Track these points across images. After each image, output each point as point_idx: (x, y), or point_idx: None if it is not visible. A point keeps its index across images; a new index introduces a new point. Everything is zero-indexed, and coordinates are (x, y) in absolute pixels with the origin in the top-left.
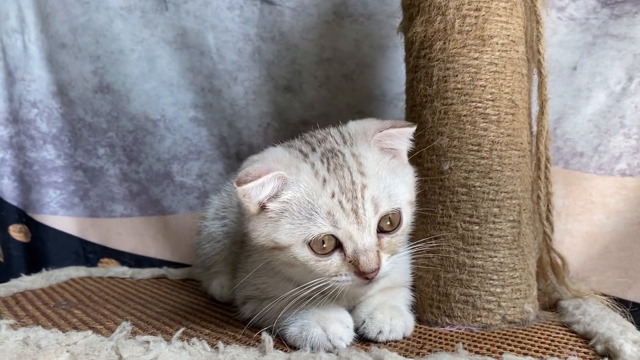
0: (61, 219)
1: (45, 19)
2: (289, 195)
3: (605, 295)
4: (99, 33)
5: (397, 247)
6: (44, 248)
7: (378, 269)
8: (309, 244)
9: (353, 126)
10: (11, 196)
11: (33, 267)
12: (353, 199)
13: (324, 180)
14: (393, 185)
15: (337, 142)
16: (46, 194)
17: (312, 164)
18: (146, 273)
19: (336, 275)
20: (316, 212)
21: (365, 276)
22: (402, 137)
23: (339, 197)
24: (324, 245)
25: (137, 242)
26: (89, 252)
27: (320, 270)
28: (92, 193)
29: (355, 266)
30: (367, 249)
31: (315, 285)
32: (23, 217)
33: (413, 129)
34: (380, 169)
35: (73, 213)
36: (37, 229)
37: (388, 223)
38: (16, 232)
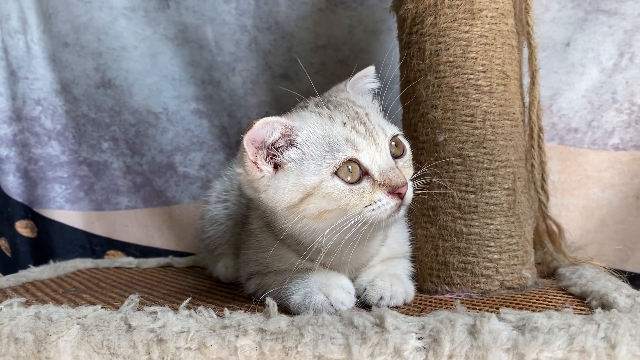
0: (67, 213)
1: (47, 19)
2: (301, 139)
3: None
4: (101, 31)
5: (410, 175)
6: (51, 242)
7: (407, 184)
8: (337, 175)
9: (327, 92)
10: (16, 193)
11: (40, 262)
12: (363, 124)
13: (330, 116)
14: (383, 119)
15: (323, 98)
16: (52, 189)
17: (312, 110)
18: (152, 262)
19: (371, 204)
20: (335, 142)
21: (399, 191)
22: (369, 75)
23: (351, 124)
24: (351, 172)
25: (142, 233)
26: (95, 245)
27: (356, 201)
28: (97, 187)
29: (386, 186)
30: (391, 166)
31: (351, 223)
32: (29, 212)
33: (372, 67)
34: (368, 105)
35: (79, 207)
36: (43, 224)
37: (396, 147)
38: (22, 227)
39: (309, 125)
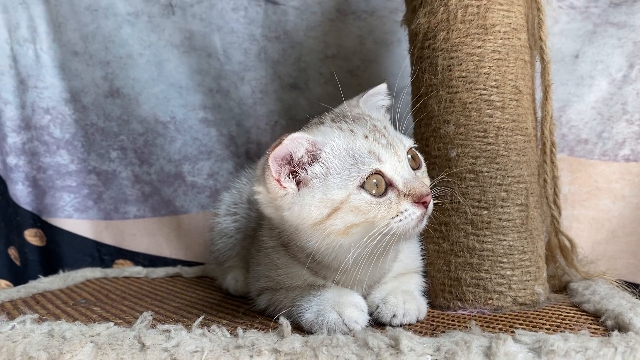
0: (76, 222)
1: (57, 28)
2: (325, 154)
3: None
4: (108, 39)
5: (428, 184)
6: (59, 251)
7: (430, 192)
8: (364, 188)
9: (339, 106)
10: (25, 201)
11: (49, 271)
12: (383, 136)
13: (351, 130)
14: (397, 131)
15: (338, 112)
16: (60, 198)
17: (331, 125)
18: (160, 272)
19: (398, 215)
20: (359, 155)
21: (424, 200)
22: (381, 93)
23: (373, 137)
24: (376, 185)
25: (150, 242)
26: (103, 254)
27: (384, 212)
28: (105, 196)
29: (412, 195)
30: (413, 177)
31: (378, 235)
32: (38, 221)
33: (385, 85)
34: (383, 118)
35: (87, 216)
36: (52, 233)
37: (413, 160)
38: (31, 236)
39: (332, 140)
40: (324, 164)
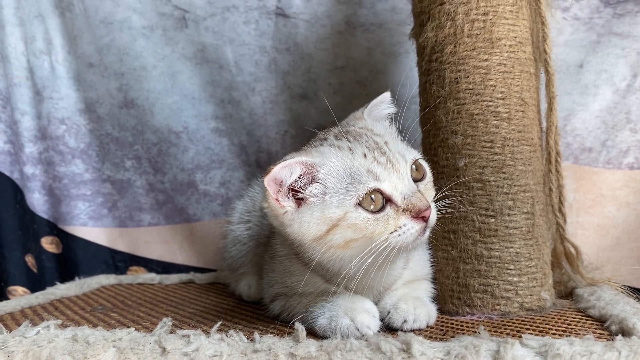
0: (91, 230)
1: (73, 40)
2: (322, 174)
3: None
4: (123, 51)
5: (432, 196)
6: (75, 258)
7: (429, 207)
8: (361, 205)
9: (345, 119)
10: (42, 209)
11: (65, 277)
12: (383, 154)
13: (349, 149)
14: (401, 143)
15: (341, 128)
16: (75, 206)
17: (332, 144)
18: (174, 278)
19: (396, 230)
20: (357, 174)
21: (422, 215)
22: (385, 102)
23: (371, 155)
24: (374, 201)
25: (164, 249)
26: (118, 261)
27: (381, 228)
28: (120, 204)
29: (410, 210)
30: (413, 191)
31: (378, 250)
32: (54, 229)
33: (388, 93)
34: (386, 131)
35: (102, 224)
36: (68, 240)
37: (416, 171)
38: (48, 243)
39: (330, 161)
40: (322, 183)
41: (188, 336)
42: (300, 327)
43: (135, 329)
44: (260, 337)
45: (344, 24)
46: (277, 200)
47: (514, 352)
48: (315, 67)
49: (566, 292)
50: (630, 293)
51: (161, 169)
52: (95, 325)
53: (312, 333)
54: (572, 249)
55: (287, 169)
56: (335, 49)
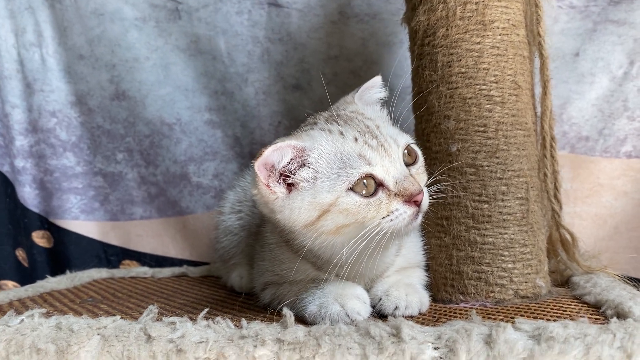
0: (82, 224)
1: (63, 32)
2: (313, 158)
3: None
4: (114, 43)
5: (424, 181)
6: (67, 252)
7: (422, 191)
8: (353, 190)
9: (335, 104)
10: (33, 203)
11: (56, 272)
12: (374, 138)
13: (340, 132)
14: (393, 127)
15: (332, 111)
16: (67, 199)
17: (322, 127)
18: (167, 272)
19: (388, 215)
20: (348, 158)
21: (415, 199)
22: (376, 86)
23: (362, 139)
24: (366, 186)
25: (157, 243)
26: (110, 255)
27: (373, 213)
28: (112, 197)
29: (402, 195)
30: (405, 175)
31: (369, 235)
32: (45, 223)
33: (379, 77)
34: (377, 115)
35: (94, 217)
36: (59, 234)
37: (409, 156)
38: (39, 238)
39: (320, 145)
40: (312, 168)
41: (174, 323)
42: (288, 313)
43: (122, 318)
44: (248, 323)
45: (337, 13)
46: (267, 185)
47: (507, 335)
48: (308, 57)
49: (562, 281)
50: (628, 281)
51: (153, 162)
52: (81, 315)
53: (303, 321)
54: (567, 236)
55: (279, 152)
56: (328, 39)
